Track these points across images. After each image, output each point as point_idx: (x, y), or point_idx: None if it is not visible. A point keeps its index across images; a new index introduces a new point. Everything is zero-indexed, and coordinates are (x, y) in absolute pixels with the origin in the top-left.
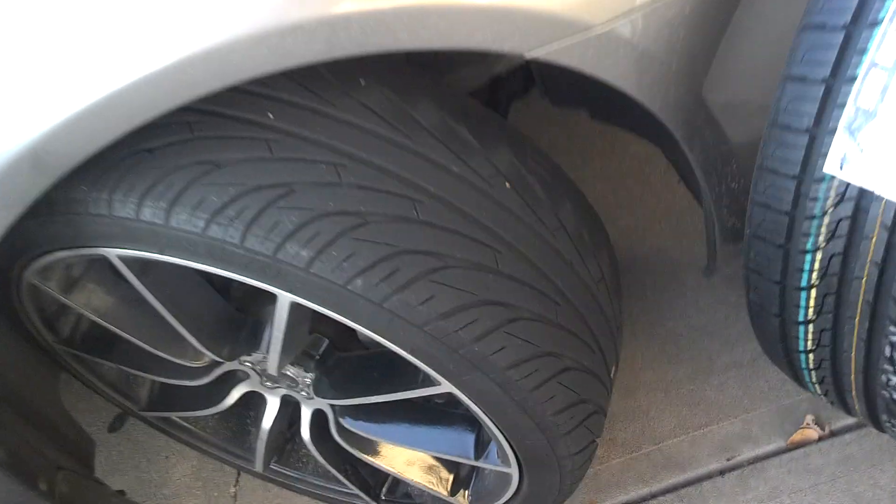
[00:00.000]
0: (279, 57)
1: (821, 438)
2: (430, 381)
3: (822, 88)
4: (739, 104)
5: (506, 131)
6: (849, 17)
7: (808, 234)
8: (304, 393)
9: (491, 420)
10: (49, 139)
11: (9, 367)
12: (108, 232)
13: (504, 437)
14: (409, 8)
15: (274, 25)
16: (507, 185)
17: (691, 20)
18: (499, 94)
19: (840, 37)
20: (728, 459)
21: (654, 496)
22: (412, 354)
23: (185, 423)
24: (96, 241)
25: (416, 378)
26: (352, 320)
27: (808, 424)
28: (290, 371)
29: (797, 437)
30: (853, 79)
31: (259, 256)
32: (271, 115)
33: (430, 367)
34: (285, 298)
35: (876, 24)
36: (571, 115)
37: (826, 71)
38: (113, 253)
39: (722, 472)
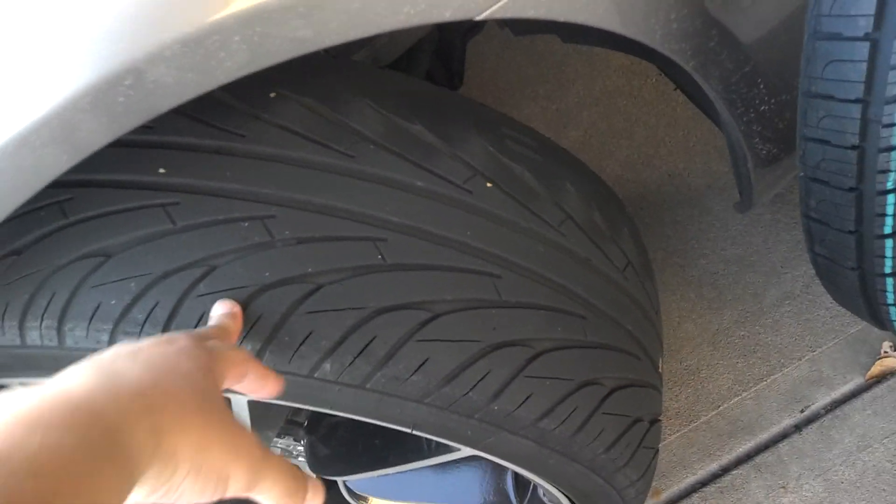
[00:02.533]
0: (147, 102)
1: None
2: (445, 447)
3: None
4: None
5: (473, 114)
6: None
7: (887, 171)
8: (301, 459)
9: (530, 475)
10: None
11: None
12: (7, 364)
13: (550, 485)
14: None
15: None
16: (489, 185)
17: None
18: (450, 36)
19: None
20: (802, 411)
21: (725, 470)
22: (416, 430)
23: None
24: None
25: (427, 443)
26: (333, 410)
27: (886, 352)
28: (279, 444)
29: (876, 369)
30: None
31: None
32: (162, 170)
33: (442, 437)
34: (240, 400)
35: None
36: (536, 39)
37: None
38: (15, 382)
39: (798, 428)
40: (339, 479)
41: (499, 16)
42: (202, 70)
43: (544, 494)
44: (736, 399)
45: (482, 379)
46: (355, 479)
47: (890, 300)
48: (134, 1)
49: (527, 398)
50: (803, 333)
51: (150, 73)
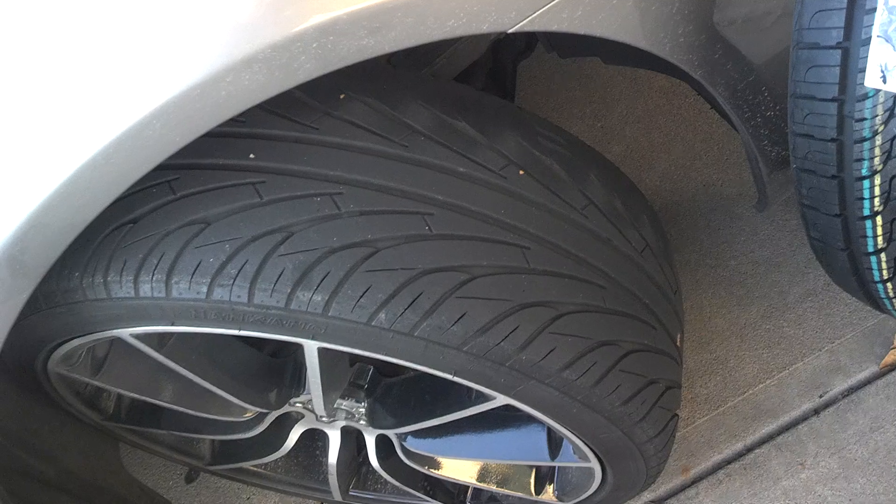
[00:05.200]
0: (242, 96)
1: None
2: (484, 397)
3: None
4: (752, 18)
5: (508, 113)
6: None
7: (861, 159)
8: (362, 421)
9: (556, 423)
10: (20, 237)
11: (68, 453)
12: (112, 314)
13: (575, 435)
14: (368, 10)
15: (224, 64)
16: (521, 172)
17: None
18: (502, 58)
19: None
20: (821, 396)
21: (749, 449)
22: (457, 376)
23: (256, 469)
24: (104, 324)
25: (469, 394)
26: (385, 355)
27: None
28: (343, 404)
29: (890, 358)
30: None
31: (272, 311)
32: (252, 155)
33: (479, 384)
34: (311, 346)
35: None
36: (583, 63)
37: None
38: (125, 332)
39: (817, 412)
40: (399, 446)
41: (528, 29)
42: (286, 70)
43: (574, 452)
44: (760, 386)
45: (512, 332)
46: (418, 443)
47: (876, 277)
48: (236, 12)
49: (550, 351)
50: (823, 327)
51: (246, 71)
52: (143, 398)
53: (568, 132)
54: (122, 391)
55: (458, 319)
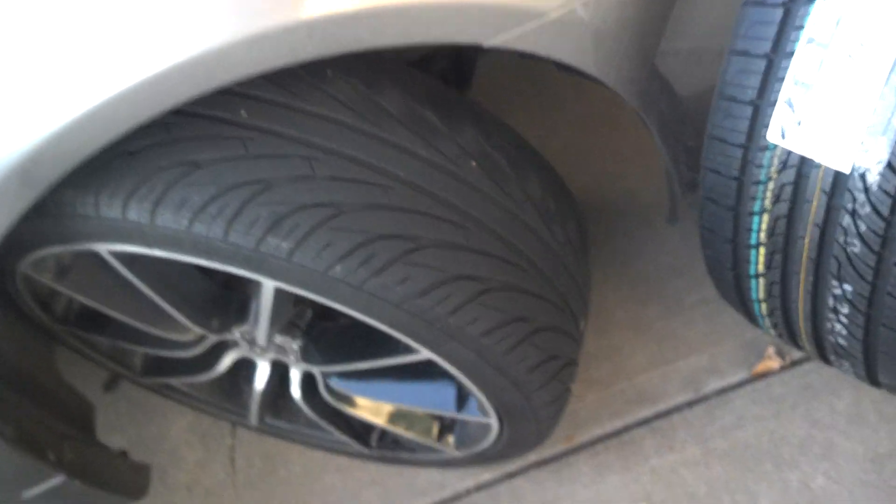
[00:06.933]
0: (248, 65)
1: (782, 368)
2: (410, 350)
3: (764, 63)
4: (693, 52)
5: (470, 111)
6: None
7: (754, 198)
8: (292, 357)
9: (469, 381)
10: (37, 153)
11: (6, 343)
12: (96, 231)
13: (482, 394)
14: (369, 9)
15: (242, 36)
16: (473, 164)
17: None
18: (467, 47)
19: (780, 13)
20: (696, 391)
21: (627, 429)
22: (391, 328)
23: (181, 386)
24: (85, 238)
25: (397, 345)
26: (333, 302)
27: (769, 356)
28: (278, 339)
29: (760, 367)
30: (791, 53)
31: (242, 250)
32: (244, 113)
33: (409, 338)
34: (269, 284)
35: (812, 1)
36: (537, 64)
37: (766, 46)
38: (104, 248)
39: (690, 405)
40: (323, 384)
41: (500, 47)
42: (291, 50)
43: (478, 408)
44: (646, 375)
45: (445, 298)
46: (341, 383)
47: (754, 297)
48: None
49: (475, 319)
50: (709, 332)
51: (257, 47)
52: (99, 307)
53: (519, 134)
54: (80, 298)
55: (402, 281)
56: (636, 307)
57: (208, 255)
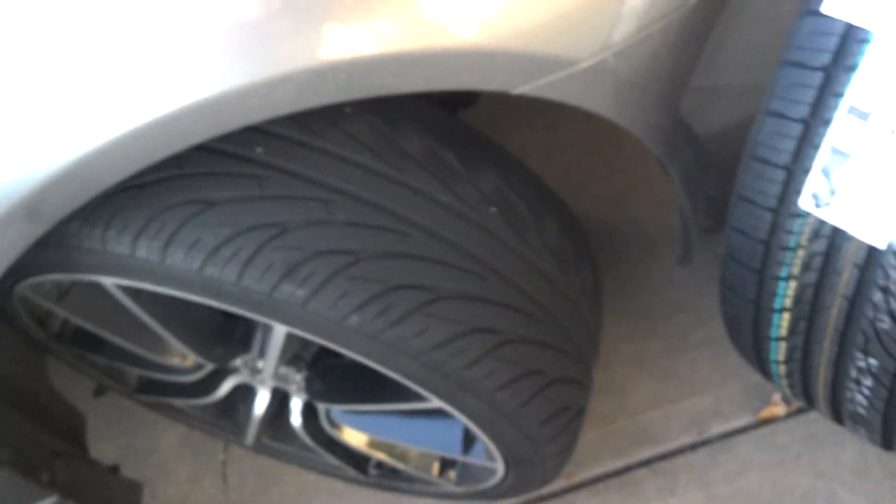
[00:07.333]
0: (269, 107)
1: (787, 415)
2: (421, 396)
3: (800, 127)
4: (715, 90)
5: (492, 153)
6: (828, 59)
7: (782, 263)
8: (294, 387)
9: (479, 430)
10: (44, 189)
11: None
12: (102, 265)
13: (491, 442)
14: (396, 55)
15: (263, 77)
16: (493, 210)
17: (671, 48)
18: None
19: (818, 78)
20: (700, 434)
21: (628, 469)
22: (404, 378)
23: (177, 405)
24: (91, 270)
25: (408, 391)
26: (346, 350)
27: (775, 402)
28: (282, 370)
29: (765, 413)
30: (829, 121)
31: (255, 295)
32: (260, 150)
33: (421, 388)
34: (281, 329)
35: (853, 68)
36: None
37: (804, 111)
38: (109, 281)
39: (693, 447)
40: (324, 415)
41: (528, 94)
42: (316, 91)
43: (485, 453)
44: (649, 414)
45: (461, 351)
46: (343, 417)
47: (773, 358)
48: (289, 43)
49: (490, 372)
50: (714, 373)
51: (278, 90)
52: (97, 330)
53: (538, 177)
54: (78, 321)
55: (419, 333)
56: (640, 342)
57: (218, 297)
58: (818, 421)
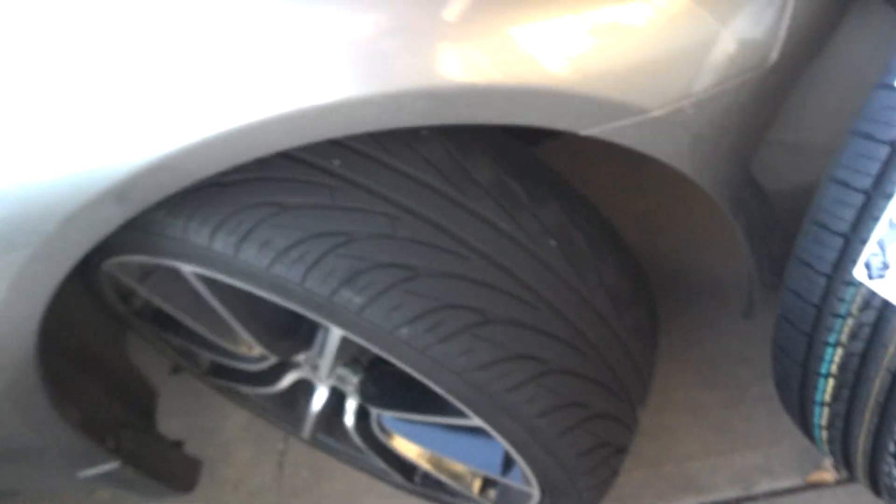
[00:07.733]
0: (353, 124)
1: (837, 483)
2: (464, 414)
3: (862, 198)
4: (795, 146)
5: (556, 185)
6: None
7: (831, 329)
8: (350, 388)
9: (516, 454)
10: (135, 178)
11: (82, 327)
12: (181, 252)
13: (528, 467)
14: (476, 88)
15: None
16: (553, 243)
17: (745, 105)
18: None
19: (885, 151)
20: (745, 489)
21: None
22: (448, 394)
23: (242, 392)
24: (170, 256)
25: (452, 407)
26: (395, 359)
27: (825, 467)
28: (340, 371)
29: (814, 477)
30: (891, 195)
31: (316, 297)
32: (337, 162)
33: (463, 405)
34: (337, 332)
35: None
36: None
37: (867, 182)
38: (187, 268)
39: (738, 501)
40: (375, 419)
41: (595, 136)
42: (394, 115)
43: (522, 477)
44: (697, 462)
45: (505, 375)
46: (392, 423)
47: (816, 422)
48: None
49: (531, 399)
50: (767, 430)
51: (363, 108)
52: (175, 313)
53: (604, 217)
54: (158, 302)
55: (465, 352)
56: (697, 391)
57: (283, 295)
58: (865, 492)
